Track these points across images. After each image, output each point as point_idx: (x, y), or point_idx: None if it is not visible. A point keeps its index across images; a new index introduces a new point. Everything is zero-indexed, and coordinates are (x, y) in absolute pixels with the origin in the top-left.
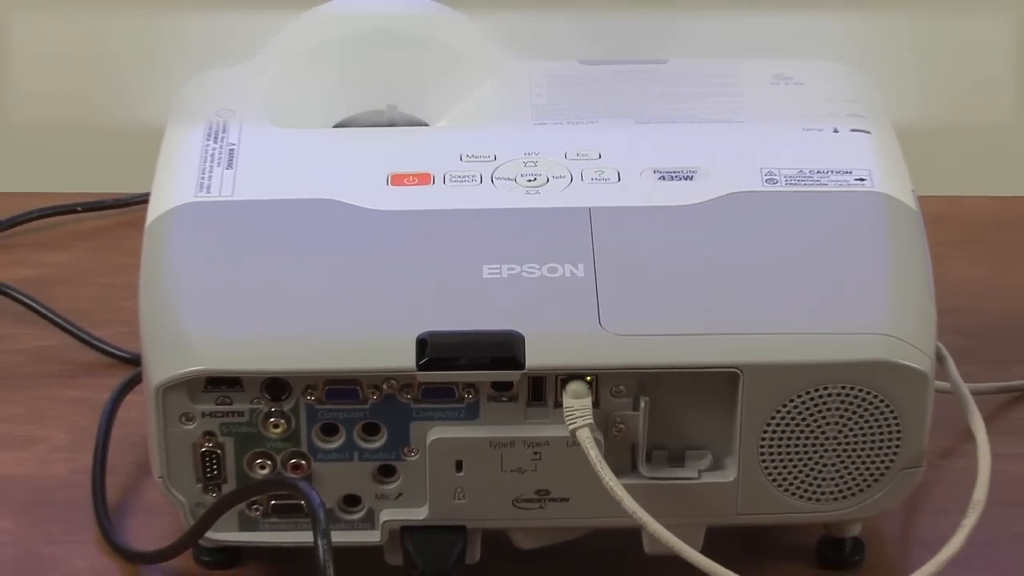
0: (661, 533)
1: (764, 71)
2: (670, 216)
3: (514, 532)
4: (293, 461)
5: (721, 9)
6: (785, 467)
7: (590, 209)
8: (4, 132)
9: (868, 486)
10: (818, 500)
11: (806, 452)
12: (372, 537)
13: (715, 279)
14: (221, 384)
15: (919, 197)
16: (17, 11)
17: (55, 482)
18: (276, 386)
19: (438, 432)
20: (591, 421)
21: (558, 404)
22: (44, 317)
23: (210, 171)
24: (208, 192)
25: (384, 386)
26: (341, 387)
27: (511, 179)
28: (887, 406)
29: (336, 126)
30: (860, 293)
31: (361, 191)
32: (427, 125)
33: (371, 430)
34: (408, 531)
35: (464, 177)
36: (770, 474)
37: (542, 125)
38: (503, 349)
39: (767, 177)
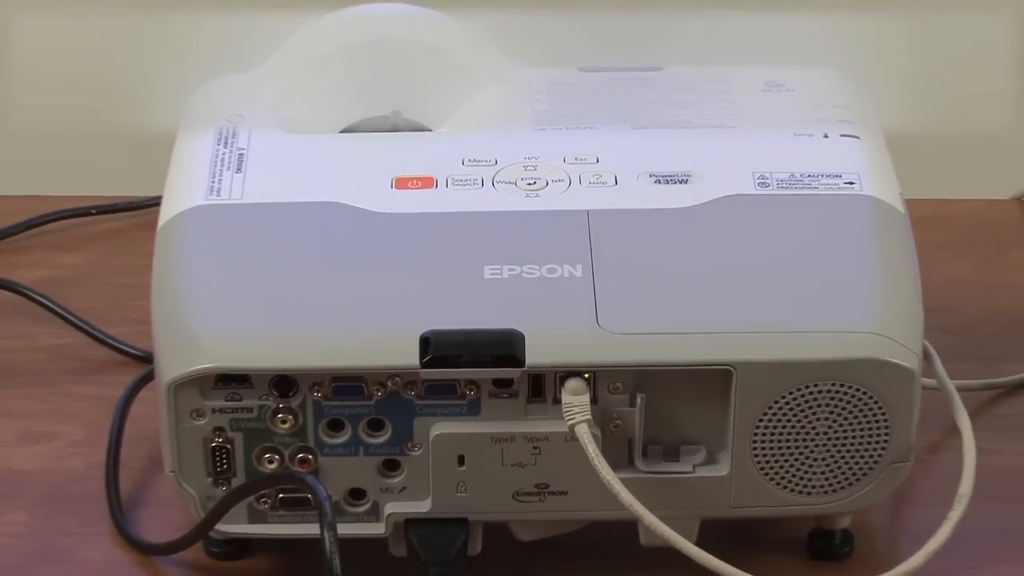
0: (657, 525)
1: (756, 78)
2: (666, 218)
3: (514, 524)
4: (300, 456)
5: (716, 10)
6: (777, 461)
7: (588, 212)
8: (22, 138)
9: (857, 480)
10: (809, 494)
11: (797, 447)
12: (377, 529)
13: (709, 279)
14: (231, 381)
15: (906, 200)
16: (37, 26)
17: (71, 476)
18: (284, 383)
19: (441, 428)
20: (589, 417)
21: (557, 400)
22: (60, 316)
23: (220, 175)
24: (218, 195)
25: (388, 383)
26: (347, 384)
27: (511, 183)
28: (876, 402)
29: (342, 131)
30: (849, 293)
31: (366, 194)
32: (430, 130)
33: (376, 426)
34: (412, 523)
35: (466, 181)
36: (762, 468)
37: (541, 130)
38: (504, 347)
39: (759, 181)
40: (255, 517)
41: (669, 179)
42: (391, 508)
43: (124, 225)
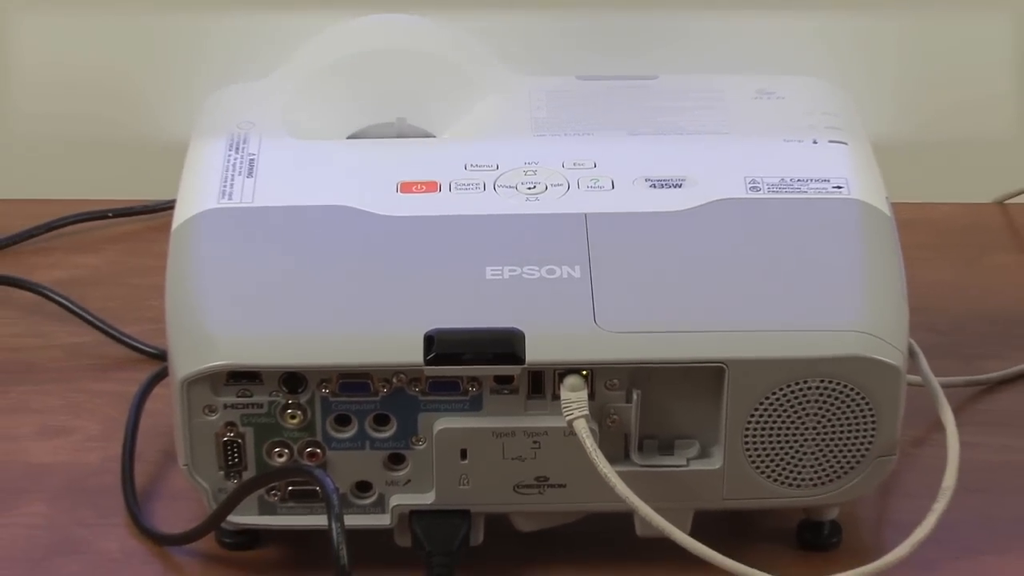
0: (652, 517)
1: (748, 86)
2: (660, 221)
3: (515, 516)
4: (309, 450)
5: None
6: (768, 455)
7: (586, 215)
8: (43, 144)
9: (845, 473)
10: (798, 486)
11: (787, 441)
12: (383, 521)
13: (702, 280)
14: (242, 378)
15: (892, 204)
16: (57, 38)
17: (88, 469)
18: (293, 380)
19: (444, 423)
20: (587, 412)
21: (556, 397)
22: (77, 316)
23: (232, 179)
24: (230, 199)
25: (394, 380)
26: (354, 381)
27: (512, 187)
28: (863, 398)
29: (349, 137)
30: (837, 293)
31: (372, 198)
32: (434, 137)
33: (382, 421)
34: (416, 515)
35: (468, 185)
36: (754, 462)
37: (541, 137)
38: (505, 345)
39: (751, 185)
40: (265, 509)
41: (664, 183)
42: (396, 500)
43: (140, 228)
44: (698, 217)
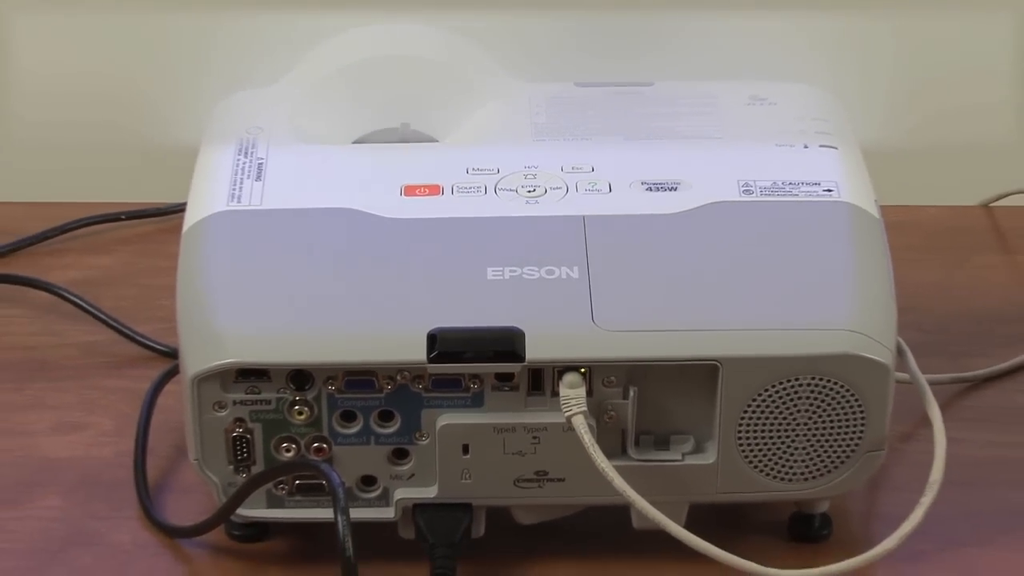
0: (648, 510)
1: (741, 93)
2: (656, 223)
3: (515, 509)
4: (316, 445)
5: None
6: (760, 450)
7: (584, 217)
8: (59, 150)
9: (835, 467)
10: (790, 480)
11: (779, 437)
12: (387, 514)
13: (697, 280)
14: (250, 375)
15: (881, 206)
16: (74, 50)
17: (101, 464)
18: (300, 377)
19: (447, 418)
20: (585, 409)
21: (555, 393)
22: (91, 315)
23: (241, 183)
24: (239, 202)
25: (398, 377)
26: (359, 378)
27: (512, 190)
28: (852, 395)
29: (355, 142)
30: (828, 293)
31: (377, 201)
32: (437, 141)
33: (386, 417)
34: (419, 508)
35: (470, 188)
36: (746, 456)
37: (541, 141)
38: (505, 344)
39: (744, 188)
40: (273, 502)
41: (659, 187)
42: (400, 494)
43: (151, 230)
44: (693, 219)
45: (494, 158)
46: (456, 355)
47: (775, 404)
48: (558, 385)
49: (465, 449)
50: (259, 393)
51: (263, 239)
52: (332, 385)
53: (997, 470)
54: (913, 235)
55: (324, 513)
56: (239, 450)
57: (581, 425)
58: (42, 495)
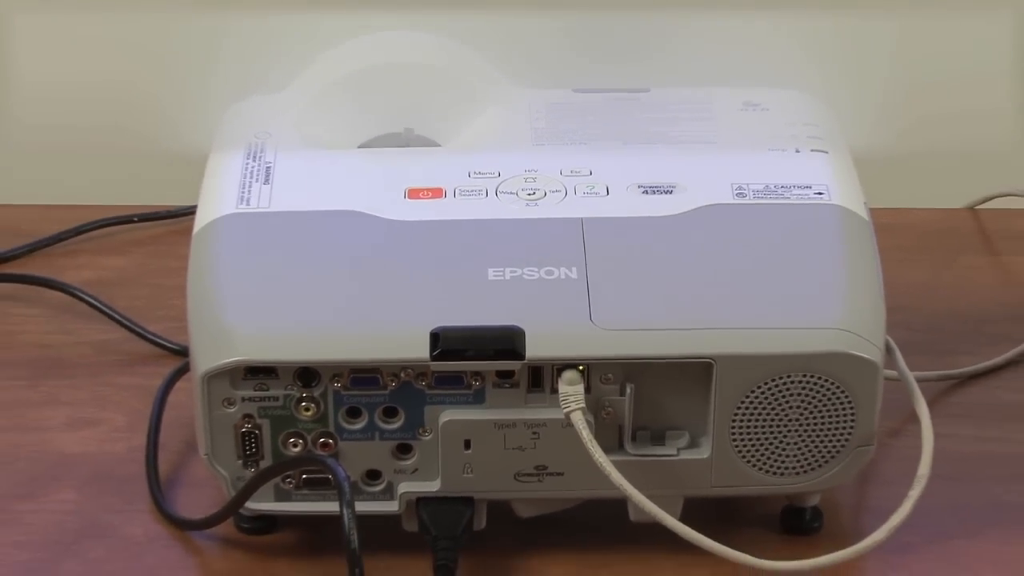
0: (644, 503)
1: (735, 99)
2: (653, 225)
3: (515, 502)
4: (322, 440)
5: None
6: (753, 445)
7: (582, 219)
8: (74, 154)
9: (826, 462)
10: (782, 474)
11: (771, 432)
12: (391, 507)
13: (692, 280)
14: (259, 373)
15: (871, 209)
16: (89, 58)
17: (114, 459)
18: (307, 374)
19: (449, 415)
20: (583, 405)
21: (554, 390)
22: (105, 314)
23: (249, 186)
24: (248, 204)
25: (402, 374)
26: (364, 375)
27: (513, 193)
28: (842, 392)
29: (360, 147)
30: (819, 293)
31: (381, 203)
32: (439, 146)
33: (390, 413)
34: (423, 501)
35: (472, 191)
36: (740, 451)
37: (540, 146)
38: (506, 342)
39: (737, 191)
40: (281, 496)
41: (656, 190)
42: (404, 488)
43: (163, 232)
44: (688, 221)
45: (495, 162)
46: (458, 353)
47: (768, 401)
48: (557, 382)
49: (467, 444)
50: (267, 390)
51: (271, 241)
52: (338, 382)
53: (983, 464)
54: (902, 237)
55: (330, 506)
56: (248, 445)
57: (579, 421)
58: (57, 489)
